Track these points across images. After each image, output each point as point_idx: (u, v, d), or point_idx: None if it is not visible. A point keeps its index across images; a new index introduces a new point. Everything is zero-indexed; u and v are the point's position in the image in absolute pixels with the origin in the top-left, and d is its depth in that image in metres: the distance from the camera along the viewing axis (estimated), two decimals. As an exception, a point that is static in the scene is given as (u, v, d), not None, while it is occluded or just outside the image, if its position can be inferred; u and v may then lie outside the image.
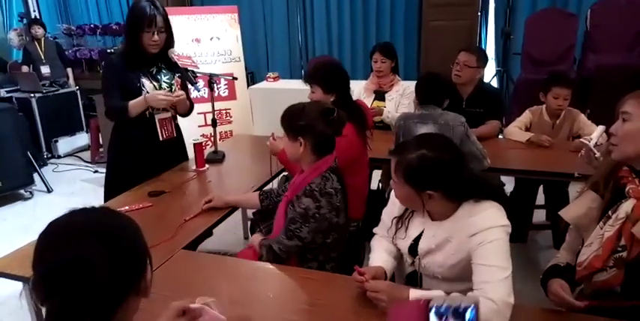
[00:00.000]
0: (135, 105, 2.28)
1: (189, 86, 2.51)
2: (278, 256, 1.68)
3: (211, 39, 3.92)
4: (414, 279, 1.62)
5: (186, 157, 2.70)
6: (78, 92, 5.67)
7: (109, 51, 6.48)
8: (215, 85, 2.75)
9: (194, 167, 2.56)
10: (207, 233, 1.93)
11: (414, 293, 1.33)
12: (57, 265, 0.75)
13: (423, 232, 1.50)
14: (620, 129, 1.31)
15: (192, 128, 3.70)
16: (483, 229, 1.36)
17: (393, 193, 1.58)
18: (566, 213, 1.46)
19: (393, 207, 1.61)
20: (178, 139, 2.56)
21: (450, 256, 1.44)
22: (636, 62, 4.14)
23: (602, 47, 4.30)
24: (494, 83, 5.45)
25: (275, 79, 5.16)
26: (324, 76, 2.32)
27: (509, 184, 3.21)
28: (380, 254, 1.58)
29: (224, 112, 3.92)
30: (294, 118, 1.71)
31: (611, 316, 1.31)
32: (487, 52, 5.61)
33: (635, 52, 4.24)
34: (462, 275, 1.44)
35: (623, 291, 1.34)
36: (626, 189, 1.33)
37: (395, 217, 1.57)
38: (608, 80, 4.01)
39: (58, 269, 0.75)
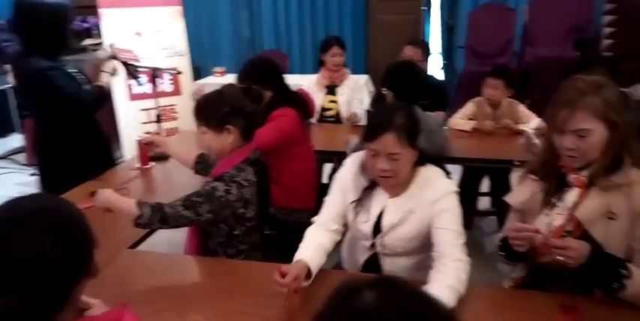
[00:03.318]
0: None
1: (132, 80, 2.42)
2: (163, 221, 1.53)
3: (154, 32, 3.79)
4: (372, 264, 1.63)
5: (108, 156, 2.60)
6: (12, 91, 5.35)
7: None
8: (158, 79, 2.67)
9: (138, 165, 2.47)
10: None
11: None
12: (8, 263, 0.74)
13: (384, 210, 1.54)
14: (581, 145, 1.33)
15: (134, 125, 3.58)
16: (445, 195, 1.47)
17: (338, 179, 1.62)
18: (512, 198, 1.53)
19: (341, 194, 1.60)
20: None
21: (413, 226, 1.50)
22: (570, 54, 4.35)
23: (540, 40, 4.50)
24: (441, 76, 5.60)
25: (222, 73, 5.08)
26: (256, 73, 2.30)
27: (455, 173, 3.30)
28: (308, 248, 1.49)
29: (168, 108, 3.81)
30: (216, 107, 1.62)
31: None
32: (432, 45, 5.78)
33: (569, 44, 4.45)
34: (420, 246, 1.52)
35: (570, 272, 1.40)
36: (569, 178, 1.39)
37: (353, 202, 1.57)
38: (546, 72, 4.19)
39: (9, 267, 0.74)
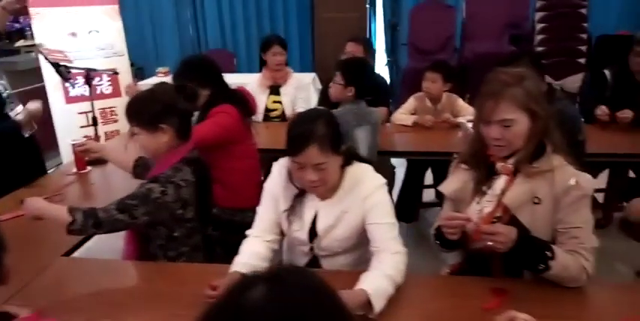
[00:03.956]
0: None
1: (67, 83, 2.33)
2: (97, 226, 1.49)
3: (90, 32, 3.65)
4: (312, 267, 1.62)
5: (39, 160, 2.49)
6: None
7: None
8: (97, 81, 2.58)
9: (74, 170, 2.38)
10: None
11: None
12: None
13: (317, 214, 1.54)
14: (506, 135, 1.39)
15: (72, 129, 3.44)
16: (374, 190, 1.48)
17: (267, 189, 1.60)
18: (445, 188, 1.58)
19: (273, 203, 1.58)
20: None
21: (348, 226, 1.51)
22: (506, 49, 4.53)
23: (477, 36, 4.66)
24: (386, 73, 5.70)
25: (165, 73, 4.97)
26: (193, 72, 2.24)
27: (400, 167, 3.38)
28: (242, 258, 1.48)
29: (108, 110, 3.69)
30: (148, 106, 1.59)
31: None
32: (377, 43, 5.89)
33: (505, 40, 4.63)
34: (358, 243, 1.55)
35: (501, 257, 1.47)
36: (497, 167, 1.46)
37: (285, 211, 1.56)
38: (483, 67, 4.31)
39: None
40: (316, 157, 1.39)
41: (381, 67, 5.82)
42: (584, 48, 4.41)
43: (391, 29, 5.32)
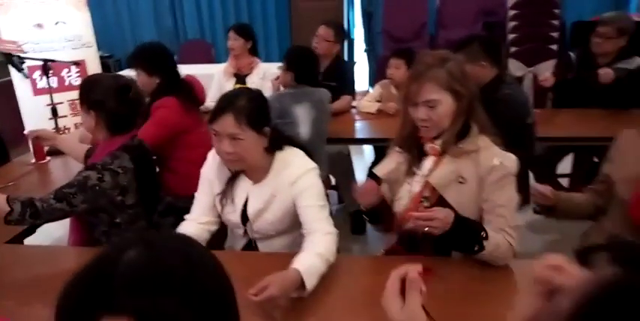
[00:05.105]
0: None
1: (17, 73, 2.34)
2: (35, 216, 1.50)
3: (56, 24, 3.64)
4: (249, 250, 1.67)
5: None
6: None
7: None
8: (51, 72, 2.58)
9: (33, 160, 2.40)
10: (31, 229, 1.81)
11: None
12: None
13: (248, 197, 1.57)
14: (432, 115, 1.41)
15: (41, 121, 3.44)
16: (302, 174, 1.51)
17: (203, 174, 1.64)
18: (379, 170, 1.61)
19: (208, 187, 1.62)
20: None
21: (278, 209, 1.54)
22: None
23: (450, 23, 4.67)
24: (364, 61, 5.72)
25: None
26: (145, 58, 2.29)
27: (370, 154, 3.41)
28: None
29: (77, 101, 3.67)
30: (87, 90, 1.64)
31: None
32: (356, 31, 5.88)
33: (478, 27, 4.64)
34: (291, 226, 1.58)
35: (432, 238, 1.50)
36: (425, 148, 1.49)
37: (218, 194, 1.60)
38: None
39: None
40: (231, 127, 1.42)
41: (360, 55, 5.84)
42: (556, 34, 4.42)
43: (367, 18, 5.30)
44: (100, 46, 5.37)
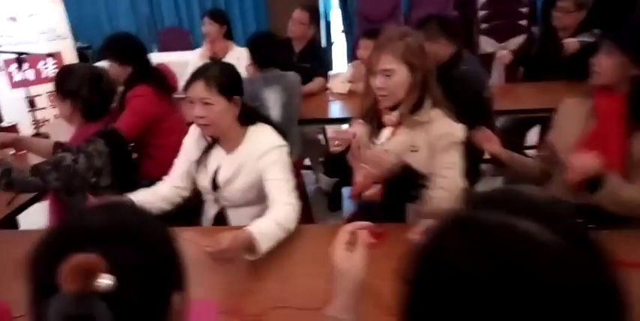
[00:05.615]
0: None
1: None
2: (9, 184, 1.61)
3: (30, 16, 3.66)
4: (221, 218, 1.79)
5: None
6: None
7: None
8: (27, 64, 2.64)
9: (12, 152, 2.46)
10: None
11: None
12: None
13: (220, 166, 1.70)
14: (388, 84, 1.53)
15: (19, 114, 3.50)
16: (270, 149, 1.63)
17: (184, 143, 1.77)
18: None
19: (187, 154, 1.77)
20: None
21: (244, 179, 1.66)
22: (452, 13, 4.60)
23: (423, 2, 4.72)
24: (342, 44, 5.76)
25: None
26: (116, 49, 2.36)
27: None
28: (142, 193, 1.70)
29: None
30: (62, 80, 1.75)
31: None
32: (332, 13, 5.92)
33: (450, 4, 4.70)
34: (257, 197, 1.69)
35: (384, 205, 1.62)
36: (383, 119, 1.60)
37: (195, 161, 1.74)
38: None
39: None
40: (201, 92, 1.56)
41: (338, 36, 5.88)
42: (525, 10, 4.50)
43: (343, -1, 5.34)
44: (77, 37, 5.44)
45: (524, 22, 4.50)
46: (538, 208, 0.52)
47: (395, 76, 1.51)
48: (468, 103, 2.20)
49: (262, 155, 1.62)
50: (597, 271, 0.48)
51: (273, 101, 2.51)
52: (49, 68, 3.71)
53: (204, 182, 1.73)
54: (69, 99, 1.71)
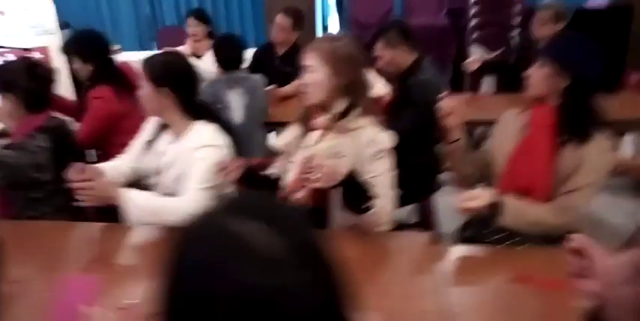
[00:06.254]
0: None
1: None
2: None
3: (19, 10, 3.73)
4: None
5: None
6: None
7: None
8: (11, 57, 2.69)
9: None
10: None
11: None
12: None
13: (164, 152, 1.74)
14: (307, 79, 1.56)
15: None
16: (202, 147, 1.65)
17: (146, 125, 1.83)
18: (277, 141, 1.75)
19: (143, 136, 1.82)
20: None
21: (176, 170, 1.69)
22: (441, 22, 4.60)
23: (416, 9, 4.72)
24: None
25: (115, 51, 5.04)
26: (80, 46, 2.39)
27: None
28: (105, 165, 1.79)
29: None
30: None
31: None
32: (330, 19, 5.94)
33: (442, 12, 4.70)
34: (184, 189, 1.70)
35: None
36: (313, 122, 1.61)
37: (146, 141, 1.79)
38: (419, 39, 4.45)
39: None
40: (142, 77, 1.67)
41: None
42: (517, 20, 4.47)
43: (338, 5, 5.36)
44: None
45: (515, 32, 4.48)
46: (266, 212, 0.52)
47: (314, 74, 1.54)
48: (423, 112, 2.21)
49: (194, 150, 1.65)
50: (309, 274, 0.48)
51: (235, 103, 2.53)
52: (36, 62, 3.78)
53: (148, 164, 1.77)
54: (9, 93, 1.74)
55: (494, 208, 1.43)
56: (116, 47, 5.21)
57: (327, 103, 1.56)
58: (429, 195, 2.45)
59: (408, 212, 2.65)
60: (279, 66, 3.31)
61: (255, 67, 3.27)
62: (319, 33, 5.42)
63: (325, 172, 1.38)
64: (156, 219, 1.53)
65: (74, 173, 1.54)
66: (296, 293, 0.47)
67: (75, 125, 2.47)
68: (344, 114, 1.56)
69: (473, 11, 4.49)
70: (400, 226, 2.60)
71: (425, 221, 2.51)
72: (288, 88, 3.19)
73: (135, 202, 1.53)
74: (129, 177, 1.80)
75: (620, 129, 1.94)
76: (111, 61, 2.45)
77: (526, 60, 2.99)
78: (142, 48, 6.03)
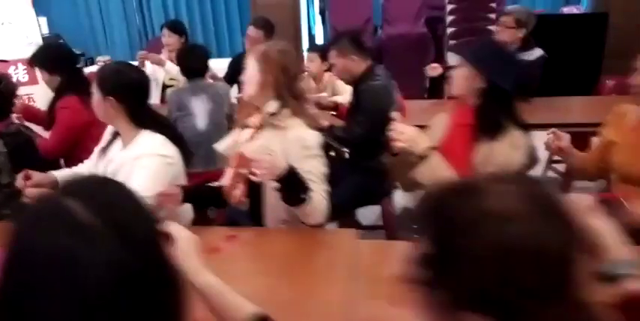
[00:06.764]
0: None
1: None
2: None
3: (4, 24, 3.88)
4: None
5: None
6: None
7: None
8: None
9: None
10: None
11: None
12: None
13: (112, 160, 1.80)
14: (244, 75, 1.70)
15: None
16: (144, 155, 1.70)
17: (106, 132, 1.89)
18: (219, 145, 1.84)
19: (102, 143, 1.89)
20: None
21: (122, 177, 1.71)
22: (419, 31, 4.70)
23: (395, 18, 4.82)
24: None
25: (106, 62, 5.19)
26: (46, 59, 2.47)
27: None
28: (65, 172, 1.89)
29: (26, 97, 3.92)
30: None
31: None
32: (316, 28, 6.07)
33: (420, 22, 4.79)
34: None
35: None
36: (247, 121, 1.73)
37: (100, 149, 1.87)
38: (395, 48, 4.54)
39: None
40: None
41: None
42: (493, 27, 4.55)
43: (321, 14, 5.48)
44: (73, 44, 5.75)
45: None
46: (91, 192, 0.64)
47: (247, 71, 1.68)
48: (372, 118, 2.29)
49: (137, 158, 1.70)
50: (118, 246, 0.58)
51: (199, 110, 2.62)
52: (20, 73, 3.91)
53: (102, 170, 1.82)
54: None
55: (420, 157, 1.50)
56: (104, 59, 5.39)
57: (259, 101, 1.67)
58: (384, 198, 2.52)
59: (374, 214, 2.73)
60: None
61: (232, 75, 3.38)
62: (305, 42, 5.54)
63: (264, 166, 1.46)
64: None
65: (20, 179, 1.64)
66: (96, 260, 0.56)
67: (44, 134, 2.58)
68: (274, 114, 1.66)
69: (449, 19, 4.58)
70: (364, 228, 2.71)
71: (385, 222, 2.57)
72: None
73: None
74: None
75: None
76: (78, 71, 2.55)
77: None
78: (133, 58, 6.17)
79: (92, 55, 6.34)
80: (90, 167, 1.90)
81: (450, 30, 4.60)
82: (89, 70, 4.88)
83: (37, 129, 2.62)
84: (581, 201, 0.97)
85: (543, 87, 3.09)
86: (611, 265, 0.88)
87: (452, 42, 4.59)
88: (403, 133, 1.51)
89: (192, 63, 2.67)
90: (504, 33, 3.03)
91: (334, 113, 2.93)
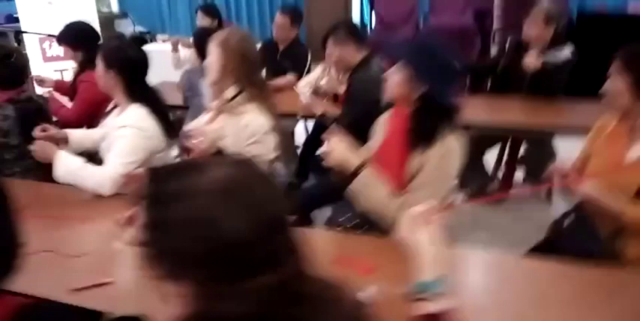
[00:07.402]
0: None
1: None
2: None
3: (62, 1, 4.26)
4: None
5: None
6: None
7: None
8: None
9: None
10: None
11: None
12: None
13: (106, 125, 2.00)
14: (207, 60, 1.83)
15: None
16: (123, 126, 1.85)
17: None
18: (191, 125, 1.99)
19: None
20: None
21: (107, 143, 1.91)
22: (466, 24, 4.53)
23: (440, 9, 4.69)
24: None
25: (165, 41, 5.52)
26: (69, 36, 2.71)
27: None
28: (78, 132, 2.10)
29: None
30: None
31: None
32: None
33: (468, 15, 4.62)
34: None
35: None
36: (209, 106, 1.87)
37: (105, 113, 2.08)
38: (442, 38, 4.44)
39: None
40: None
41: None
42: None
43: (370, 3, 5.43)
44: (140, 22, 6.21)
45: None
46: None
47: (210, 56, 1.79)
48: (360, 109, 2.29)
49: (120, 127, 1.85)
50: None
51: (206, 90, 2.74)
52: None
53: (96, 136, 2.02)
54: None
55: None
56: (164, 37, 5.71)
57: (220, 87, 1.78)
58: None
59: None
60: (280, 61, 3.49)
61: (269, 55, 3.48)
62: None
63: (197, 144, 1.59)
64: (77, 182, 1.78)
65: (37, 131, 1.89)
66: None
67: (69, 105, 2.84)
68: (231, 99, 1.75)
69: (497, 14, 4.39)
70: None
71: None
72: (279, 81, 3.36)
73: (65, 163, 1.77)
74: (97, 143, 2.02)
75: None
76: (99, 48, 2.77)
77: (515, 64, 2.95)
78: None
79: (158, 32, 6.71)
80: (96, 132, 2.09)
81: (497, 24, 4.41)
82: (151, 48, 5.21)
83: (65, 100, 2.88)
84: (417, 214, 0.97)
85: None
86: (419, 284, 0.90)
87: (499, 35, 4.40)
88: (333, 150, 1.48)
89: (206, 44, 2.79)
90: (531, 29, 2.88)
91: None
